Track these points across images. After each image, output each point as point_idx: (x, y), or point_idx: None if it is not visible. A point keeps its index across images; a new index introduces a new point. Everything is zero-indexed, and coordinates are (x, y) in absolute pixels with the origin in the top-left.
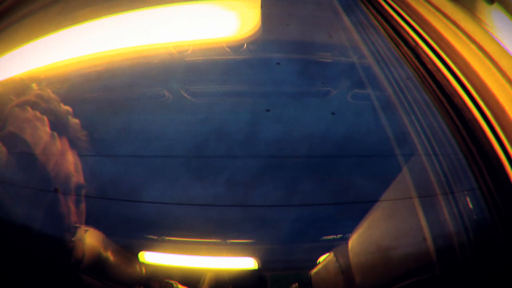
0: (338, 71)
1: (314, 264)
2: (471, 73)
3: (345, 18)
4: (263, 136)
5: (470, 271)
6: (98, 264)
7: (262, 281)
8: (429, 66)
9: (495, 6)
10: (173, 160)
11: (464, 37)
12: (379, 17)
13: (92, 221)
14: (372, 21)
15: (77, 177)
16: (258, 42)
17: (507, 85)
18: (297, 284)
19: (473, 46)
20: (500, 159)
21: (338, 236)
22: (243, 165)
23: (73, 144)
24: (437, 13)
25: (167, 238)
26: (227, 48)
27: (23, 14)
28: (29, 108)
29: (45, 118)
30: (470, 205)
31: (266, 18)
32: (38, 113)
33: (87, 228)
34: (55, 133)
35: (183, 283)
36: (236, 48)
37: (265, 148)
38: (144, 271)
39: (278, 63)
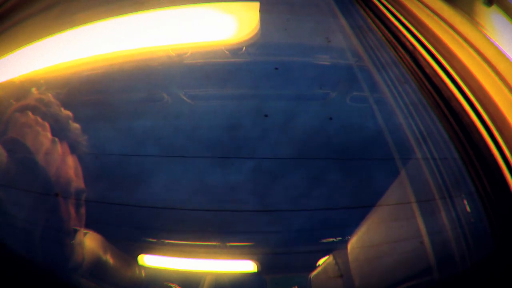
0: (336, 75)
1: (314, 267)
2: (469, 76)
3: (343, 22)
4: (262, 141)
5: (468, 274)
6: (97, 267)
7: (262, 284)
8: (427, 69)
9: (494, 8)
10: (171, 162)
11: (462, 41)
12: (377, 21)
13: (91, 224)
14: (370, 25)
15: (77, 181)
16: (256, 45)
17: (505, 89)
18: (296, 287)
19: (471, 50)
20: (497, 162)
21: (338, 239)
22: (241, 169)
23: (73, 148)
24: (435, 16)
25: (167, 241)
26: (226, 51)
27: (22, 17)
28: (29, 112)
29: (46, 123)
30: (468, 209)
31: (265, 22)
32: (38, 117)
33: (86, 231)
34: (55, 138)
35: (182, 286)
36: (235, 51)
37: (263, 153)
38: (143, 274)
39: (276, 68)
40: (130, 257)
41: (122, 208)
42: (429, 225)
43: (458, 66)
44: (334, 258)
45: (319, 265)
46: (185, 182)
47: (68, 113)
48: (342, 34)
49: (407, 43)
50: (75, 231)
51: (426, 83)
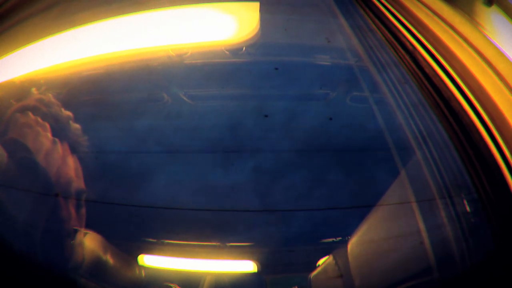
0: (336, 75)
1: (314, 267)
2: (468, 77)
3: (343, 22)
4: (262, 142)
5: (468, 274)
6: (97, 267)
7: (262, 284)
8: (427, 69)
9: (494, 8)
10: (171, 162)
11: (462, 41)
12: (377, 21)
13: (91, 224)
14: (370, 25)
15: (78, 181)
16: (256, 45)
17: (505, 89)
18: (296, 287)
19: (470, 50)
20: (497, 162)
21: (338, 239)
22: (241, 169)
23: (73, 148)
24: (435, 16)
25: (167, 241)
26: (226, 51)
27: (22, 17)
28: (29, 113)
29: (46, 123)
30: (468, 209)
31: (265, 22)
32: (38, 118)
33: (86, 231)
34: (55, 138)
35: (182, 286)
36: (235, 51)
37: (263, 153)
38: (143, 274)
39: (276, 68)
40: (130, 257)
41: (122, 208)
42: (429, 225)
43: (458, 66)
44: (334, 258)
45: (319, 265)
46: (185, 182)
47: (68, 113)
48: (342, 34)
49: (407, 43)
50: (75, 231)
51: (426, 83)
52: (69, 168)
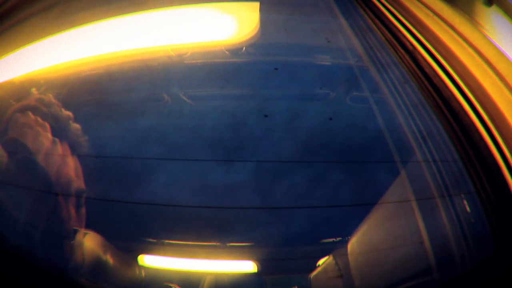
0: (336, 75)
1: (314, 267)
2: (468, 77)
3: (343, 22)
4: (261, 142)
5: (467, 274)
6: (97, 267)
7: (262, 284)
8: (427, 69)
9: (494, 8)
10: (170, 162)
11: (462, 41)
12: (377, 21)
13: (91, 224)
14: (370, 25)
15: (78, 181)
16: (256, 45)
17: (505, 89)
18: (296, 287)
19: (470, 50)
20: (497, 162)
21: (338, 239)
22: (241, 169)
23: (73, 148)
24: (435, 16)
25: (167, 241)
26: (226, 51)
27: (22, 17)
28: (29, 113)
29: (46, 123)
30: (468, 209)
31: (265, 22)
32: (38, 118)
33: (86, 231)
34: (55, 138)
35: (182, 286)
36: (235, 51)
37: (263, 153)
38: (143, 274)
39: (276, 68)
40: (130, 257)
41: (122, 208)
42: (429, 225)
43: (458, 66)
44: (334, 258)
45: (319, 265)
46: (185, 182)
47: (68, 113)
48: (342, 34)
49: (407, 43)
50: (75, 231)
51: (426, 83)
52: (69, 167)
